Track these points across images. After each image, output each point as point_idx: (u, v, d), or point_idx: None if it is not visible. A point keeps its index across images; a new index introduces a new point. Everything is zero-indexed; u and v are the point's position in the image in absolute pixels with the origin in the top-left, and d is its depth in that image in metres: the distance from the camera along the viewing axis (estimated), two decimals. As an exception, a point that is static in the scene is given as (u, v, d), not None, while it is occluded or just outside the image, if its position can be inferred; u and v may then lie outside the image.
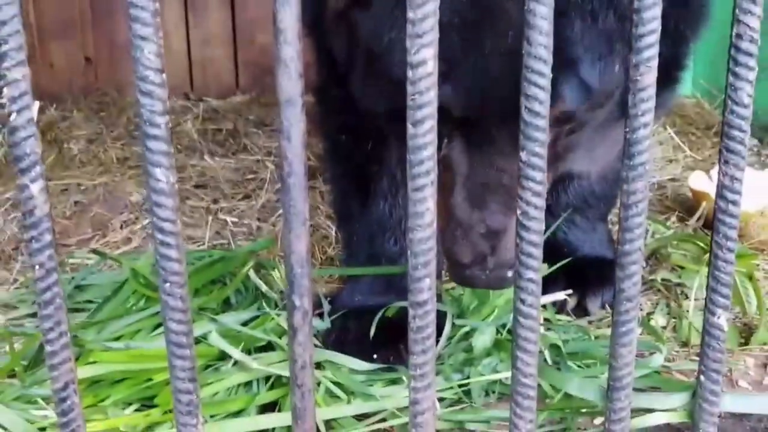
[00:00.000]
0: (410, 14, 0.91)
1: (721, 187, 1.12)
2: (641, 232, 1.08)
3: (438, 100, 1.07)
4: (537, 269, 1.04)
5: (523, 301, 1.05)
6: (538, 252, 1.04)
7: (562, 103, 1.26)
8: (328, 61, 1.54)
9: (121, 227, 2.19)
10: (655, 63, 1.02)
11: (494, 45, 1.25)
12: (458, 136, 1.33)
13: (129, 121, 3.02)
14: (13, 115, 0.94)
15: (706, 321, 1.18)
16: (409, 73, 0.93)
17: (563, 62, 1.21)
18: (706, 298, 1.18)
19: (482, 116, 1.27)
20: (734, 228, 1.13)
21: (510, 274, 1.35)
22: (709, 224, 2.21)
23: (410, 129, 0.96)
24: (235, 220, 2.23)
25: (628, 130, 1.05)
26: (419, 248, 0.99)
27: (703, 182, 2.27)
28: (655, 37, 1.00)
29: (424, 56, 0.92)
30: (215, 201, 2.35)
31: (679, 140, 2.81)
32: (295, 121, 0.98)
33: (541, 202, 1.01)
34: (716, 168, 2.32)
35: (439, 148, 1.38)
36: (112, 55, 3.48)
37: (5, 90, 0.93)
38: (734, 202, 1.11)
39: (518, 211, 1.03)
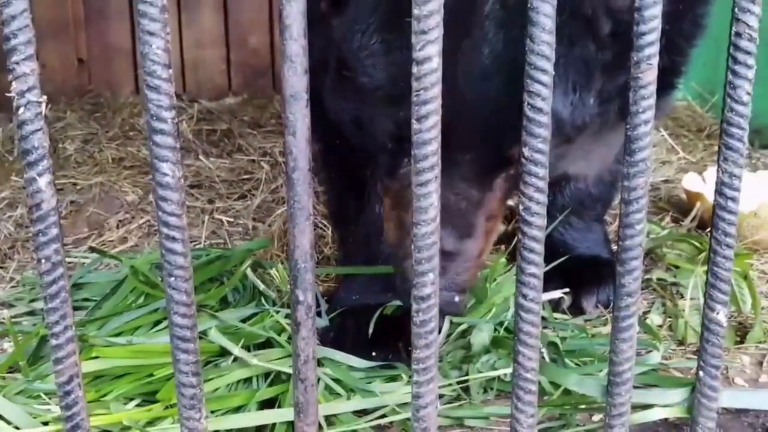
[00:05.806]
0: (415, 11, 0.92)
1: (720, 184, 1.13)
2: (642, 228, 1.09)
3: (401, 118, 0.99)
4: (539, 264, 1.05)
5: (524, 296, 1.06)
6: (540, 247, 1.05)
7: None
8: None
9: (118, 226, 2.19)
10: (655, 61, 1.03)
11: (468, 61, 1.15)
12: None
13: (124, 122, 3.02)
14: (22, 109, 0.94)
15: (705, 317, 1.19)
16: (414, 69, 0.94)
17: None
18: (705, 294, 1.19)
19: (447, 142, 1.08)
20: (733, 225, 1.14)
21: (458, 299, 1.41)
22: (704, 225, 2.24)
23: (415, 125, 0.96)
24: (231, 220, 2.23)
25: (629, 126, 1.06)
26: (423, 243, 0.99)
27: (697, 183, 2.30)
28: (655, 35, 1.01)
29: (429, 53, 0.93)
30: (211, 201, 2.35)
31: (672, 142, 2.83)
32: (300, 116, 0.99)
33: (543, 198, 1.02)
34: (710, 170, 2.38)
35: (400, 166, 1.38)
36: (104, 56, 3.47)
37: (14, 84, 0.93)
38: (733, 199, 1.13)
39: (520, 207, 1.04)
